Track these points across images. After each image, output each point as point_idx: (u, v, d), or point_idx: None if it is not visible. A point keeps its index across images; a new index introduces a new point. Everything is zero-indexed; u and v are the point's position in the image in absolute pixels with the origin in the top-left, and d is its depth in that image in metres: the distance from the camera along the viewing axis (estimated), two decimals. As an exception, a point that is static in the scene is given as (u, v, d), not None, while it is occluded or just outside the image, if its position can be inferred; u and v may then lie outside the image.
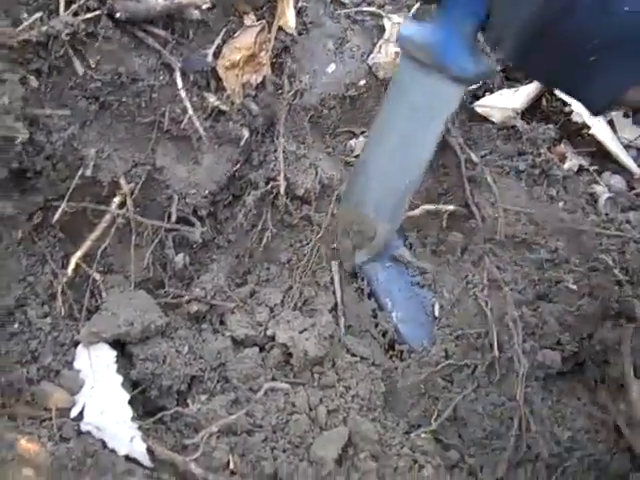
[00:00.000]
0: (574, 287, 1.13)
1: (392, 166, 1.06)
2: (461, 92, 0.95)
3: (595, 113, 1.12)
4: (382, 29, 1.30)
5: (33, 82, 0.99)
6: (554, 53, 0.73)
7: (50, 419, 0.87)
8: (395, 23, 1.28)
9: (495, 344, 1.06)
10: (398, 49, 1.17)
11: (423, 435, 0.99)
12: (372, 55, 1.27)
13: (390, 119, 1.02)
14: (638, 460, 1.00)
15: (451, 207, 1.24)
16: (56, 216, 1.04)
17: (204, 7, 1.10)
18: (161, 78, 1.09)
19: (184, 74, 1.11)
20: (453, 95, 0.94)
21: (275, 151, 1.17)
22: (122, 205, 1.08)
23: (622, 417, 1.05)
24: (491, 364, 1.07)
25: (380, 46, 1.27)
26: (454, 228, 1.24)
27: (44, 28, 0.96)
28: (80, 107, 1.04)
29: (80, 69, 1.01)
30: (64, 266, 1.04)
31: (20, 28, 0.95)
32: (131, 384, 0.96)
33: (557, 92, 1.30)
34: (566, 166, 1.29)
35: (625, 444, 1.03)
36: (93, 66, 1.02)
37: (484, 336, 1.09)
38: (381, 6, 1.33)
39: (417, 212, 1.23)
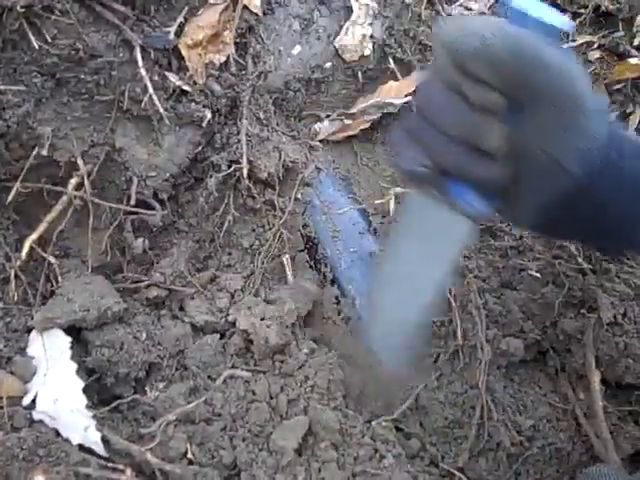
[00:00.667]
0: (538, 275, 1.13)
1: (400, 299, 1.01)
2: (471, 226, 0.89)
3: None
4: (349, 10, 1.26)
5: (-14, 56, 0.95)
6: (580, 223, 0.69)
7: (1, 407, 0.84)
8: (363, 4, 1.25)
9: (459, 332, 1.06)
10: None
11: (384, 424, 0.98)
12: (339, 37, 1.24)
13: (400, 250, 0.98)
14: (595, 450, 1.01)
15: (419, 193, 1.22)
16: (10, 197, 1.01)
17: (166, -18, 1.07)
18: (121, 55, 1.05)
19: (145, 52, 1.07)
20: (464, 229, 0.89)
21: (238, 133, 1.14)
22: (79, 186, 1.05)
23: (580, 407, 1.05)
24: (454, 352, 1.06)
25: (347, 28, 1.25)
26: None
27: (-3, 0, 0.92)
28: (36, 83, 1.00)
29: (36, 43, 0.97)
30: (18, 249, 1.01)
31: (-28, 0, 0.91)
32: (86, 371, 0.94)
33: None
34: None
35: (585, 433, 1.03)
36: (49, 41, 0.98)
37: (448, 324, 1.08)
38: (349, -13, 1.30)
39: (384, 197, 1.21)
